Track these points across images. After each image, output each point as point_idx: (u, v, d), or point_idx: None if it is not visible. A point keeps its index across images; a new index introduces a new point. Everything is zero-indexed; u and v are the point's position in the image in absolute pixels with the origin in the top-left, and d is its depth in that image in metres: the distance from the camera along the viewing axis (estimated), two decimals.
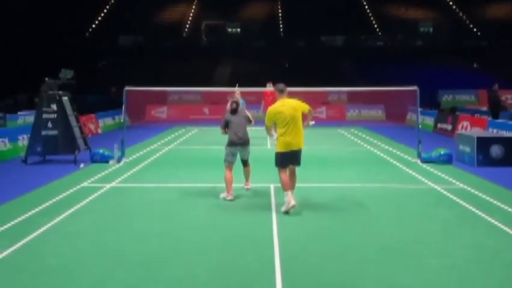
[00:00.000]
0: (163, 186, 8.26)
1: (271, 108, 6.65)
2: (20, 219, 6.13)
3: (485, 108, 19.29)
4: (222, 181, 8.55)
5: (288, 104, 6.53)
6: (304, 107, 6.68)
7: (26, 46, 32.42)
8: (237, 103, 7.60)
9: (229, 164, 7.33)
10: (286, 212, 6.33)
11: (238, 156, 7.48)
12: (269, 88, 13.42)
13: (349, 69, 35.12)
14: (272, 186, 7.88)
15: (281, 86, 6.72)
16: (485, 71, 33.28)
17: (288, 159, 6.51)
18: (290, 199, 6.29)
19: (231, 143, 7.35)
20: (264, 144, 13.52)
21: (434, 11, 46.89)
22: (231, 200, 7.11)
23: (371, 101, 24.33)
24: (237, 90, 12.70)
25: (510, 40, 36.42)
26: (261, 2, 49.04)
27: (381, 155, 11.80)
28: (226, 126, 7.46)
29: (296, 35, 41.87)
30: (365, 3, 48.51)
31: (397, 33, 42.89)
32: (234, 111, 7.46)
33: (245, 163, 7.65)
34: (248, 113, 7.67)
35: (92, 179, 8.70)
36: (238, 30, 45.77)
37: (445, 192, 7.59)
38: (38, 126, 10.65)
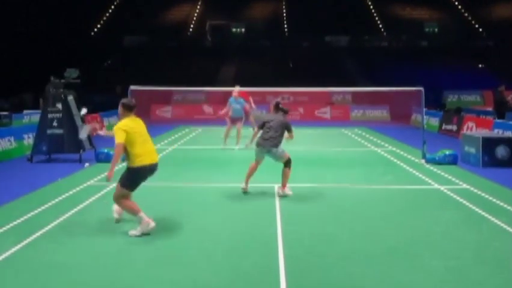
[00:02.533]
0: (167, 186, 8.28)
1: (124, 126, 5.54)
2: (25, 217, 6.16)
3: (490, 109, 19.19)
4: (226, 181, 8.58)
5: (139, 122, 5.80)
6: None
7: (32, 46, 32.61)
8: (281, 103, 7.52)
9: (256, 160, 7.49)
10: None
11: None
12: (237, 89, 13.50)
13: (353, 70, 35.05)
14: (276, 187, 7.87)
15: (133, 102, 5.81)
16: (490, 71, 33.11)
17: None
18: (148, 220, 5.53)
19: (256, 144, 7.36)
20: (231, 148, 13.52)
21: (439, 11, 46.74)
22: (243, 190, 7.45)
23: (376, 101, 24.28)
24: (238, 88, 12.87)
25: None
26: (265, 2, 49.06)
27: (386, 155, 11.76)
28: (261, 127, 7.35)
29: (300, 35, 41.85)
30: (369, 3, 48.41)
31: (402, 33, 42.74)
32: (284, 111, 7.34)
33: (285, 164, 7.36)
34: (291, 127, 7.39)
35: (97, 178, 8.73)
36: (243, 30, 45.81)
37: (450, 193, 7.56)
38: (43, 125, 10.71)
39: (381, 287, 4.15)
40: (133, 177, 5.61)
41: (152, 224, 5.52)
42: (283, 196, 7.26)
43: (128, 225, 5.89)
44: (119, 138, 5.48)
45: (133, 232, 5.52)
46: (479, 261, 4.71)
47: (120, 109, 5.76)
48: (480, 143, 10.00)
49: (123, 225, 5.90)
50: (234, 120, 12.92)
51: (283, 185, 7.35)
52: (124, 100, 5.79)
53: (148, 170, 5.66)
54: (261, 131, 7.40)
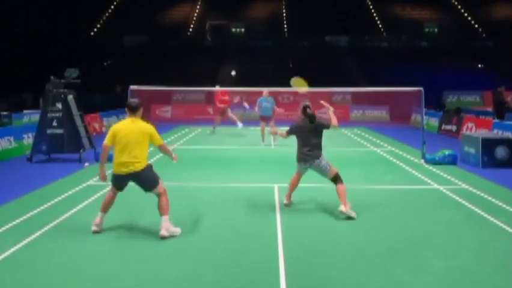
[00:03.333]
0: (167, 185, 8.26)
1: (114, 127, 5.58)
2: (25, 216, 6.16)
3: (490, 110, 19.20)
4: (226, 181, 8.58)
5: (136, 127, 5.52)
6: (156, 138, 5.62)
7: (32, 45, 32.60)
8: (310, 107, 6.32)
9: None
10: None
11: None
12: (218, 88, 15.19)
13: (353, 70, 35.06)
14: (276, 187, 7.88)
15: (134, 103, 5.61)
16: (490, 71, 33.13)
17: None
18: (97, 222, 5.58)
19: (297, 159, 6.49)
20: (268, 145, 13.53)
21: (439, 12, 46.78)
22: (286, 205, 6.68)
23: (376, 101, 24.27)
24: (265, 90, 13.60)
25: None
26: (265, 2, 49.08)
27: (386, 155, 11.77)
28: (291, 133, 6.53)
29: (300, 35, 41.87)
30: (370, 3, 48.43)
31: (402, 33, 42.77)
32: (311, 119, 6.26)
33: (334, 180, 6.37)
34: (325, 122, 6.44)
35: (97, 178, 8.64)
36: (243, 30, 45.82)
37: (450, 194, 7.56)
38: (43, 124, 10.70)
39: (382, 287, 4.15)
40: (111, 179, 5.71)
41: (94, 228, 5.54)
42: (348, 216, 6.07)
43: (129, 223, 5.90)
44: (106, 139, 5.56)
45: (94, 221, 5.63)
46: (479, 261, 4.71)
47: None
48: (480, 144, 10.01)
49: (126, 224, 5.91)
50: (264, 118, 13.39)
51: (344, 203, 6.13)
52: (129, 100, 5.73)
53: (115, 179, 5.61)
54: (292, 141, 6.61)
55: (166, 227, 5.43)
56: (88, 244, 5.20)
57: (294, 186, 6.73)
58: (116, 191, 5.74)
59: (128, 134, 5.47)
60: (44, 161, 10.80)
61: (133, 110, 5.59)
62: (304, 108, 6.36)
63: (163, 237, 5.34)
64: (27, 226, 5.78)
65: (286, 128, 6.74)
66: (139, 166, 5.52)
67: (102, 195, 7.43)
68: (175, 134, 16.81)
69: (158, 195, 5.68)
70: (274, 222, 5.98)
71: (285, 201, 6.78)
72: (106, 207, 5.67)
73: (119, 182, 5.65)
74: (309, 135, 6.30)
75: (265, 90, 13.48)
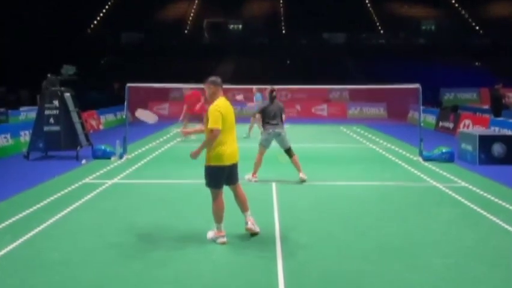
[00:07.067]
0: (165, 183, 8.27)
1: (220, 107, 4.85)
2: (22, 214, 6.14)
3: (487, 107, 19.24)
4: None
5: (230, 107, 5.04)
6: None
7: (29, 42, 32.45)
8: (275, 91, 8.11)
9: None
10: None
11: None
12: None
13: (351, 67, 35.07)
14: (274, 184, 7.89)
15: (218, 79, 5.05)
16: (487, 69, 33.19)
17: (224, 176, 5.01)
18: (221, 233, 5.11)
19: (264, 129, 8.17)
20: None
21: (436, 9, 46.78)
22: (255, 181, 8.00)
23: (373, 98, 24.29)
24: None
25: None
26: None
27: (383, 153, 11.78)
28: (262, 112, 8.11)
29: (298, 32, 41.83)
30: (367, 0, 48.41)
31: (399, 31, 42.80)
32: (273, 100, 8.05)
33: (287, 152, 8.23)
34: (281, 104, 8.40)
35: (94, 175, 8.72)
36: (240, 27, 45.73)
37: (447, 191, 7.58)
38: (40, 122, 10.67)
39: (380, 285, 4.16)
40: (211, 176, 4.95)
41: (222, 240, 5.05)
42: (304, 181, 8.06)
43: (126, 221, 5.89)
44: (216, 123, 4.62)
45: (209, 235, 5.20)
46: (477, 259, 4.73)
47: (210, 89, 4.87)
48: (477, 141, 10.03)
49: (123, 222, 5.89)
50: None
51: (301, 170, 8.17)
52: (210, 78, 4.96)
53: (223, 172, 4.91)
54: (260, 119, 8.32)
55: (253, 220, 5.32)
56: (85, 242, 5.18)
57: (260, 164, 8.15)
58: (222, 190, 5.06)
59: (231, 116, 4.88)
60: (41, 159, 10.77)
61: (221, 86, 4.92)
62: (272, 91, 8.07)
63: (253, 231, 5.29)
64: (24, 223, 5.77)
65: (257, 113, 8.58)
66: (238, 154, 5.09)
67: (99, 192, 7.43)
68: (172, 131, 16.78)
69: (238, 188, 5.22)
70: (272, 221, 5.98)
71: (254, 179, 8.08)
72: (222, 217, 5.09)
73: (225, 174, 4.94)
74: (276, 113, 8.05)
75: (254, 87, 13.81)
